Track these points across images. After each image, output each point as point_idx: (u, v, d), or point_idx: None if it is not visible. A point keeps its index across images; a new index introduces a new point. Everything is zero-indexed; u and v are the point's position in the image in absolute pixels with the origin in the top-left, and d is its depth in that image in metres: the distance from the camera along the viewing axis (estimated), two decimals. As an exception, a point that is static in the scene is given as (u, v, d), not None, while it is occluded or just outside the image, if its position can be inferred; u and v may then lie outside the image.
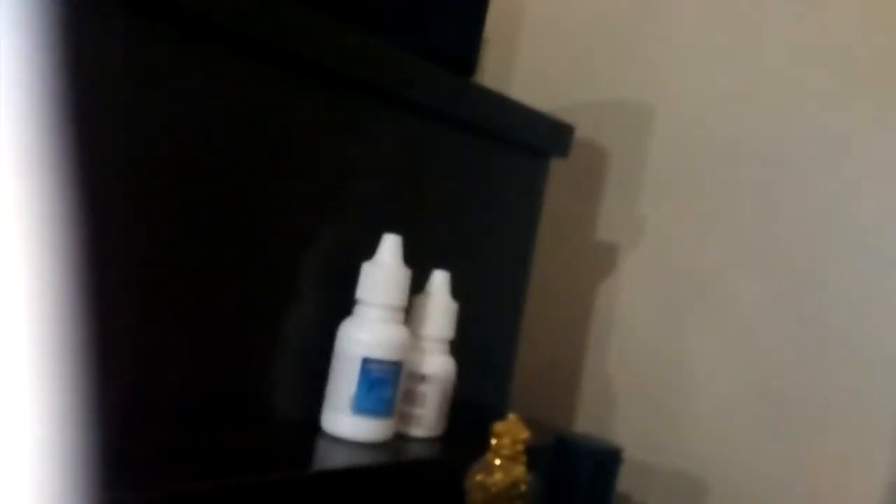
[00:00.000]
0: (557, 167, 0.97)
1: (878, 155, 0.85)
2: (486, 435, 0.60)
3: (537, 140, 0.89)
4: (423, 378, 0.72)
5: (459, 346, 0.76)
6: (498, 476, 0.58)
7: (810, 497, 0.85)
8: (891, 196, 0.84)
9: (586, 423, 1.01)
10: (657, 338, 0.98)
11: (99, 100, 0.53)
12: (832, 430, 0.85)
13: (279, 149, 0.66)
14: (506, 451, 0.59)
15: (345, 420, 0.66)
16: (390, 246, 0.69)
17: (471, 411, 0.78)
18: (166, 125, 0.58)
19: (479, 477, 0.59)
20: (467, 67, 0.80)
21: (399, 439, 0.70)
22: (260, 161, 0.64)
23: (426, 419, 0.72)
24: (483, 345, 0.87)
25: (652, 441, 0.96)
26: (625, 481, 0.95)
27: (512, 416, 0.60)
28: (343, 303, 0.69)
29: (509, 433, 0.59)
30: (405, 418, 0.71)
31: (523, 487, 0.58)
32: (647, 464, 0.95)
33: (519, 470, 0.59)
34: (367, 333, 0.67)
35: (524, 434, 0.59)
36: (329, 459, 0.64)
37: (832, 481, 0.85)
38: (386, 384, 0.67)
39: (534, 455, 0.68)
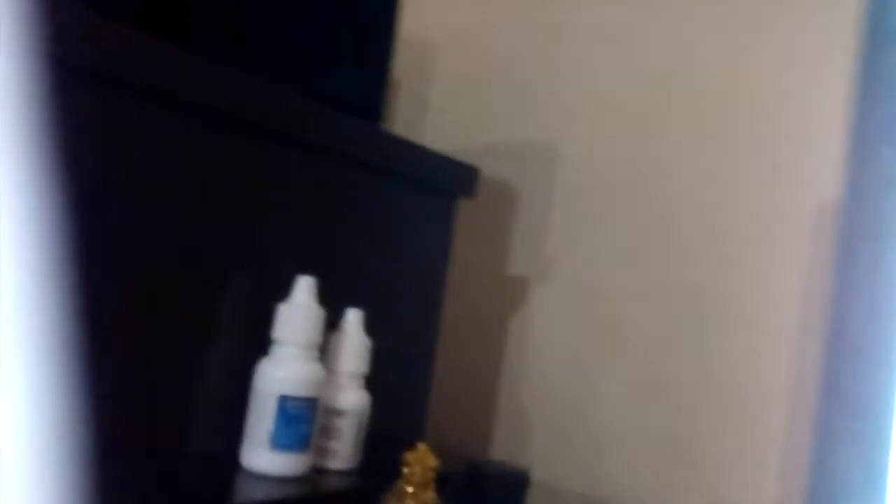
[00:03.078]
0: (470, 206, 1.01)
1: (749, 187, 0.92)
2: (400, 465, 0.64)
3: (443, 182, 0.93)
4: (338, 413, 0.74)
5: (375, 381, 0.79)
6: (410, 503, 0.62)
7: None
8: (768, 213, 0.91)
9: (501, 450, 1.05)
10: (567, 368, 1.02)
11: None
12: (723, 439, 0.91)
13: (194, 196, 0.68)
14: (416, 479, 0.62)
15: (263, 455, 0.69)
16: (304, 287, 0.72)
17: (387, 443, 0.81)
18: (90, 171, 0.60)
19: (392, 504, 0.62)
20: (374, 113, 0.84)
21: (316, 473, 0.73)
22: (177, 208, 0.67)
23: (342, 452, 0.75)
24: (398, 378, 0.90)
25: (564, 466, 1.00)
26: (539, 504, 1.00)
27: (422, 446, 0.63)
28: (261, 343, 0.71)
29: (419, 462, 0.63)
30: (322, 452, 0.74)
31: (434, 512, 0.62)
32: (559, 488, 0.99)
33: (429, 496, 0.62)
34: (283, 371, 0.69)
35: (433, 462, 0.63)
36: (248, 493, 0.67)
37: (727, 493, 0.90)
38: (302, 420, 0.69)
39: (447, 481, 0.71)
